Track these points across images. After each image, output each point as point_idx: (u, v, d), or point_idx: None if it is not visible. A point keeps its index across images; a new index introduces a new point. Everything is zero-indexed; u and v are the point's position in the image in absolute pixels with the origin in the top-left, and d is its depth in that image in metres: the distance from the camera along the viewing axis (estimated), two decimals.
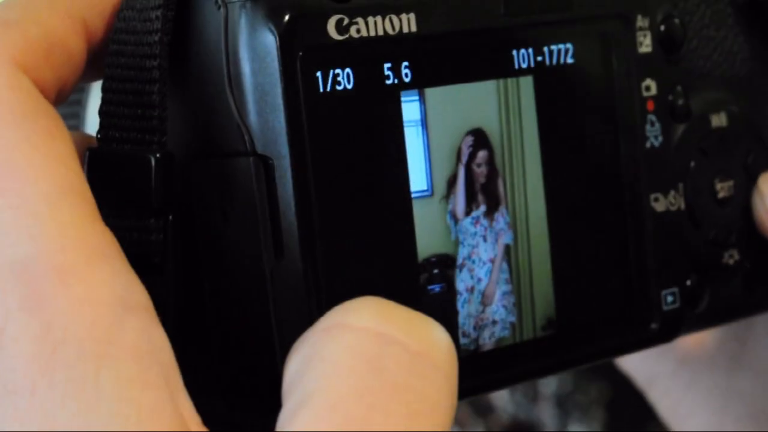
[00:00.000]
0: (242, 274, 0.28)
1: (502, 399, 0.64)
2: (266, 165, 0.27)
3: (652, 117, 0.34)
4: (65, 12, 0.27)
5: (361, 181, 0.28)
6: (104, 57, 0.28)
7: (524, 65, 0.31)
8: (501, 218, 0.31)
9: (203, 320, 0.29)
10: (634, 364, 0.46)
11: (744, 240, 0.37)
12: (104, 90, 0.28)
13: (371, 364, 0.24)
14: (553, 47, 0.32)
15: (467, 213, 0.31)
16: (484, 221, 0.31)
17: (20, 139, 0.25)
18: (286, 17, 0.27)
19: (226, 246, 0.28)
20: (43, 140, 0.25)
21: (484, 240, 0.31)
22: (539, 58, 0.32)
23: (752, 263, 0.37)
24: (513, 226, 0.31)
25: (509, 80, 0.31)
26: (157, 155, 0.27)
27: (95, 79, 0.29)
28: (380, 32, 0.29)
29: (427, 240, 0.30)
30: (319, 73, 0.28)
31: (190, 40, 0.28)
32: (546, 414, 0.64)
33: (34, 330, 0.23)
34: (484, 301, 0.31)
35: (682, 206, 0.35)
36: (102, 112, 0.28)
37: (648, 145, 0.34)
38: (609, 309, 0.33)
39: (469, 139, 0.31)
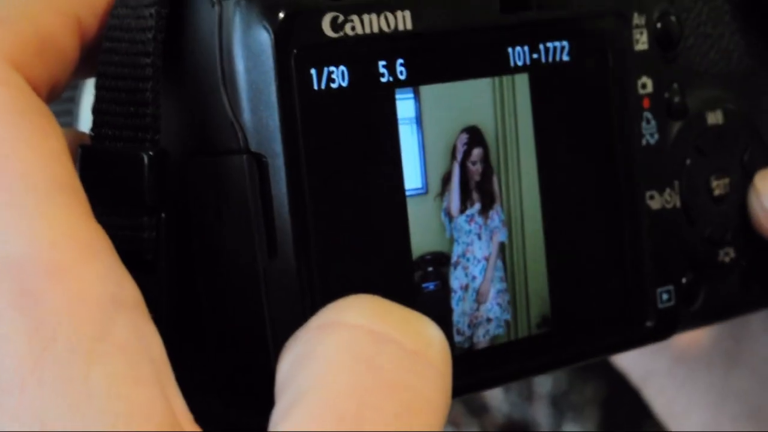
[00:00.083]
0: (236, 272, 0.28)
1: (496, 399, 0.64)
2: (260, 163, 0.27)
3: (648, 114, 0.34)
4: (58, 9, 0.27)
5: (356, 179, 0.28)
6: (98, 54, 0.28)
7: (520, 63, 0.31)
8: (496, 216, 0.31)
9: (197, 318, 0.29)
10: (630, 362, 0.46)
11: (740, 238, 0.37)
12: (97, 87, 0.28)
13: (365, 362, 0.24)
14: (549, 45, 0.32)
15: (462, 211, 0.30)
16: (479, 219, 0.31)
17: (12, 136, 0.25)
18: (281, 15, 0.27)
19: (219, 244, 0.28)
20: (35, 137, 0.25)
21: (479, 238, 0.31)
22: (535, 56, 0.32)
23: (748, 261, 0.37)
24: (508, 223, 0.31)
25: (505, 78, 0.31)
26: (150, 153, 0.27)
27: (89, 76, 0.29)
28: (375, 30, 0.28)
29: (422, 238, 0.30)
30: (313, 71, 0.28)
31: (184, 37, 0.28)
32: (541, 414, 0.64)
33: (24, 327, 0.23)
34: (479, 299, 0.31)
35: (678, 204, 0.35)
36: (95, 110, 0.28)
37: (644, 142, 0.34)
38: (604, 307, 0.33)
39: (464, 137, 0.30)
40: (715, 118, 0.36)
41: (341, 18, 0.28)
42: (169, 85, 0.28)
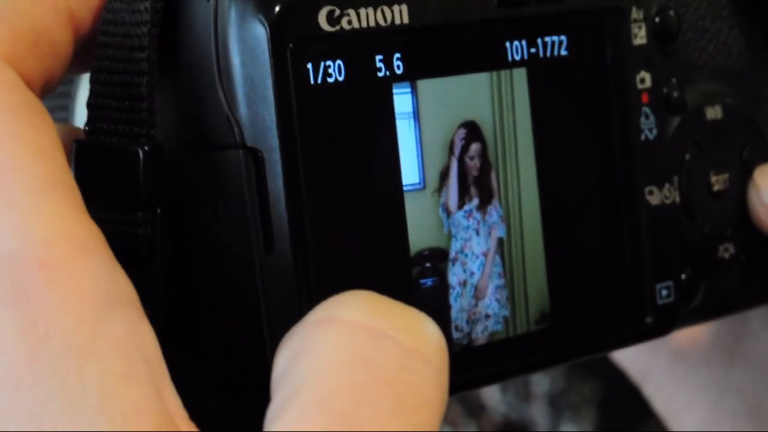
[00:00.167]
0: (232, 268, 0.28)
1: (494, 398, 0.64)
2: (256, 158, 0.27)
3: (646, 109, 0.34)
4: (52, 3, 0.27)
5: (353, 174, 0.28)
6: (92, 49, 0.28)
7: (518, 57, 0.31)
8: (494, 211, 0.31)
9: (193, 314, 0.28)
10: (629, 359, 0.46)
11: (739, 233, 0.37)
12: (92, 82, 0.28)
13: (361, 358, 0.23)
14: (547, 39, 0.32)
15: (460, 206, 0.30)
16: (477, 214, 0.31)
17: (4, 132, 0.24)
18: (277, 8, 0.27)
19: (216, 240, 0.28)
20: (28, 133, 0.24)
21: (477, 233, 0.31)
22: (533, 50, 0.31)
23: (748, 257, 0.37)
24: (506, 219, 0.31)
25: (503, 72, 0.31)
26: (146, 148, 0.27)
27: (83, 71, 0.29)
28: (372, 24, 0.28)
29: (420, 233, 0.29)
30: (309, 65, 0.27)
31: (180, 31, 0.28)
32: (538, 413, 0.64)
33: (18, 324, 0.23)
34: (477, 295, 0.31)
35: (677, 199, 0.35)
36: (90, 104, 0.28)
37: (642, 137, 0.34)
38: (603, 303, 0.33)
39: (462, 132, 0.30)
40: (714, 113, 0.36)
41: (337, 12, 0.28)
42: (164, 79, 0.28)
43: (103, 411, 0.22)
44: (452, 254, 0.30)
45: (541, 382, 0.62)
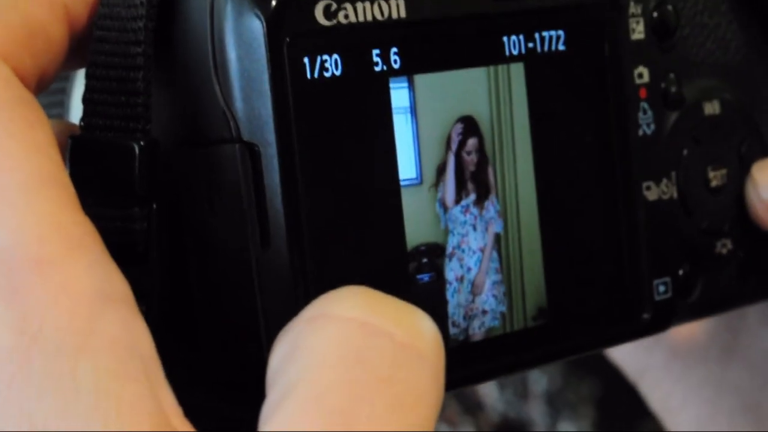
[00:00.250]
0: (228, 263, 0.27)
1: (491, 397, 0.64)
2: (252, 152, 0.27)
3: (644, 105, 0.34)
4: None
5: (349, 169, 0.28)
6: (88, 44, 0.28)
7: (515, 52, 0.31)
8: (491, 206, 0.31)
9: (189, 310, 0.28)
10: (625, 356, 0.46)
11: (737, 229, 0.37)
12: (88, 77, 0.28)
13: (356, 354, 0.23)
14: (545, 34, 0.32)
15: (457, 201, 0.30)
16: (474, 210, 0.31)
17: None
18: (273, 2, 0.27)
19: (212, 235, 0.28)
20: (21, 129, 0.24)
21: (474, 229, 0.31)
22: (530, 45, 0.31)
23: (745, 252, 0.37)
24: (503, 214, 0.31)
25: (500, 67, 0.31)
26: (141, 143, 0.27)
27: (79, 66, 0.29)
28: (369, 18, 0.28)
29: (416, 229, 0.29)
30: (306, 60, 0.27)
31: (176, 26, 0.28)
32: (536, 412, 0.64)
33: (11, 322, 0.23)
34: (474, 290, 0.30)
35: (675, 195, 0.35)
36: (86, 100, 0.28)
37: (640, 133, 0.34)
38: (600, 299, 0.33)
39: (459, 127, 0.30)
40: (711, 108, 0.36)
41: (334, 6, 0.28)
42: (160, 74, 0.28)
43: (97, 409, 0.22)
44: (449, 249, 0.30)
45: (539, 381, 0.62)
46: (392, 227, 0.29)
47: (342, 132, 0.28)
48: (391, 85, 0.29)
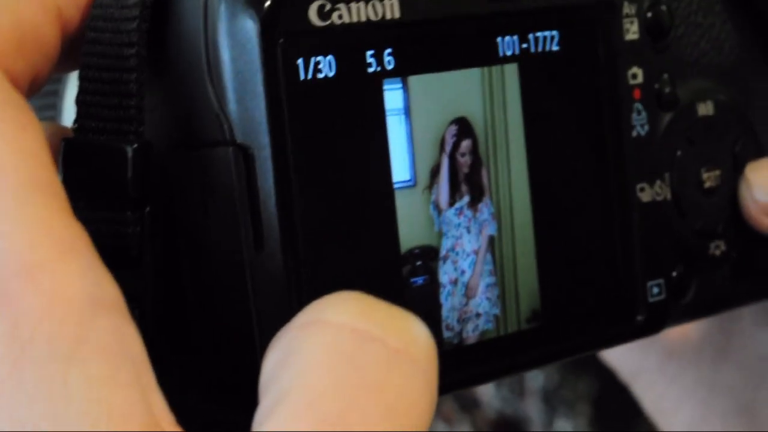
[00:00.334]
0: (222, 266, 0.27)
1: (488, 394, 0.64)
2: (246, 155, 0.27)
3: (638, 105, 0.34)
4: (39, 1, 0.27)
5: (343, 171, 0.28)
6: (81, 46, 0.28)
7: (509, 53, 0.31)
8: (485, 209, 0.31)
9: (183, 314, 0.28)
10: (619, 358, 0.46)
11: (731, 230, 0.36)
12: (81, 79, 0.28)
13: (349, 361, 0.23)
14: (539, 34, 0.31)
15: (451, 204, 0.30)
16: (468, 212, 0.30)
17: None
18: (267, 3, 0.27)
19: (205, 238, 0.28)
20: (13, 133, 0.24)
21: (468, 231, 0.30)
22: (524, 46, 0.31)
23: (739, 254, 0.37)
24: (497, 216, 0.31)
25: (494, 68, 0.31)
26: (134, 145, 0.27)
27: (71, 69, 0.29)
28: (363, 18, 0.28)
29: (410, 231, 0.29)
30: (300, 61, 0.27)
31: (169, 27, 0.28)
32: (532, 409, 0.64)
33: (2, 328, 0.23)
34: (468, 293, 0.30)
35: (669, 196, 0.35)
36: (79, 102, 0.28)
37: (634, 134, 0.34)
38: (594, 301, 0.33)
39: (453, 128, 0.30)
40: (705, 109, 0.36)
41: (328, 6, 0.28)
42: (153, 75, 0.28)
43: (88, 416, 0.22)
44: (443, 252, 0.30)
45: (535, 378, 0.62)
46: (386, 230, 0.29)
47: (336, 134, 0.28)
48: (385, 86, 0.29)
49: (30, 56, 0.26)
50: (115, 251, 0.26)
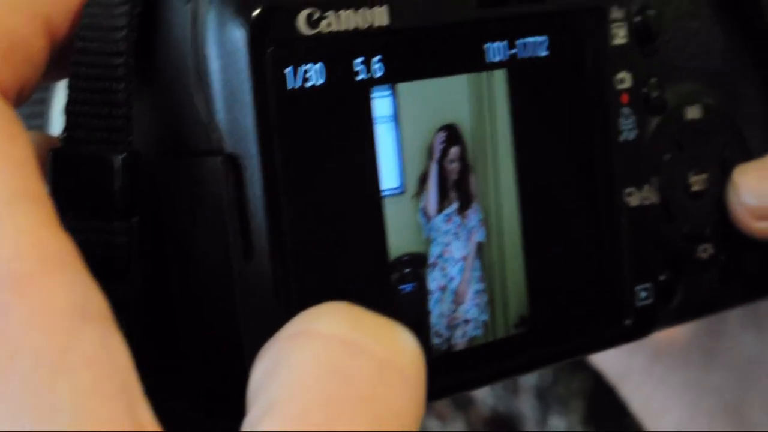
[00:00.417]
0: (210, 276, 0.27)
1: (482, 391, 0.64)
2: (235, 164, 0.27)
3: (626, 110, 0.34)
4: (27, 10, 0.27)
5: (332, 179, 0.28)
6: (69, 55, 0.28)
7: (497, 59, 0.31)
8: (473, 215, 0.31)
9: (171, 323, 0.28)
10: (606, 360, 0.46)
11: (718, 234, 0.37)
12: (69, 88, 0.28)
13: (336, 372, 0.23)
14: (527, 40, 0.31)
15: (439, 210, 0.30)
16: (457, 218, 0.31)
17: None
18: (256, 11, 0.27)
19: (193, 248, 0.28)
20: (0, 143, 0.24)
21: (457, 238, 0.31)
22: (512, 51, 0.31)
23: (726, 257, 0.37)
24: (486, 223, 0.31)
25: (482, 74, 0.31)
26: (122, 155, 0.27)
27: (60, 78, 0.29)
28: (351, 26, 0.28)
29: (399, 239, 0.29)
30: (289, 69, 0.27)
31: (158, 36, 0.28)
32: (526, 406, 0.64)
33: None
34: (457, 299, 0.31)
35: (656, 200, 0.35)
36: (67, 111, 0.28)
37: (622, 138, 0.34)
38: (582, 305, 0.33)
39: (442, 135, 0.30)
40: (693, 112, 0.36)
41: (317, 14, 0.28)
42: (142, 85, 0.28)
43: (74, 427, 0.22)
44: (432, 259, 0.30)
45: (529, 376, 0.62)
46: (374, 237, 0.29)
47: (325, 142, 0.28)
48: (374, 94, 0.29)
49: (18, 66, 0.26)
50: (103, 261, 0.26)
